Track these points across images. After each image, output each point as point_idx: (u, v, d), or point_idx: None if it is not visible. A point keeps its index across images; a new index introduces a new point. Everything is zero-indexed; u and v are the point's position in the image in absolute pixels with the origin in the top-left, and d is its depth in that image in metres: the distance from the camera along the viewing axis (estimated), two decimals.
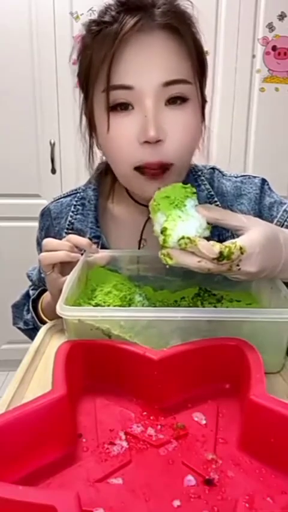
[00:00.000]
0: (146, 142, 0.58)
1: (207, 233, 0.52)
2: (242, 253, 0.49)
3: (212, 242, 0.48)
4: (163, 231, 0.51)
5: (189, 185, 0.55)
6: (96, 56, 0.59)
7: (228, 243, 0.49)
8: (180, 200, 0.53)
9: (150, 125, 0.57)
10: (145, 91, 0.57)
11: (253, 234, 0.51)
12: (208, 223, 0.53)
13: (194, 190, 0.55)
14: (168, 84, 0.58)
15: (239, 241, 0.50)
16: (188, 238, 0.48)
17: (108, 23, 0.58)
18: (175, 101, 0.59)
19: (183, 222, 0.51)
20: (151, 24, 0.58)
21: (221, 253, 0.47)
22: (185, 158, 0.64)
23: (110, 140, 0.61)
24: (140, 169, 0.61)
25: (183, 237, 0.49)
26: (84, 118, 0.68)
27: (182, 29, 0.59)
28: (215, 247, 0.47)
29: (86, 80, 0.63)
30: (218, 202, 0.76)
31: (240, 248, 0.49)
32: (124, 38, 0.56)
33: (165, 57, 0.58)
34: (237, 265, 0.49)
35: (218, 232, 0.73)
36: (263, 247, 0.51)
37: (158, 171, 0.60)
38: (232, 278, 0.53)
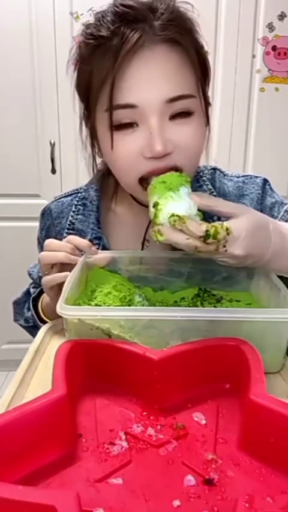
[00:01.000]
0: (152, 157, 0.58)
1: (198, 219, 0.54)
2: (228, 234, 0.51)
3: (200, 222, 0.51)
4: (155, 205, 0.54)
5: (185, 174, 0.58)
6: (97, 73, 0.58)
7: (216, 223, 0.51)
8: (175, 185, 0.56)
9: (156, 140, 0.56)
10: (149, 109, 0.56)
11: (241, 219, 0.53)
12: (200, 210, 0.55)
13: (189, 179, 0.58)
14: (172, 100, 0.57)
15: (226, 223, 0.52)
16: (178, 216, 0.51)
17: (107, 38, 0.56)
18: (179, 115, 0.59)
19: (174, 201, 0.54)
20: (152, 38, 0.56)
21: (207, 232, 0.50)
22: (194, 164, 0.64)
23: (114, 157, 0.61)
24: (142, 181, 0.61)
25: (173, 215, 0.52)
26: (84, 128, 0.67)
27: (184, 42, 0.58)
28: (202, 226, 0.50)
29: (87, 95, 0.62)
30: None
31: (227, 229, 0.51)
32: (126, 57, 0.55)
33: (168, 73, 0.57)
34: (224, 246, 0.51)
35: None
36: (250, 233, 0.53)
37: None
38: (220, 262, 0.55)
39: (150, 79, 0.56)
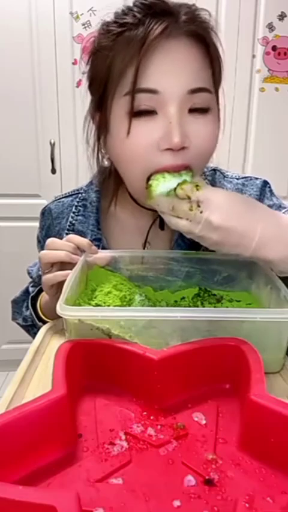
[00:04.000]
0: (168, 149, 0.57)
1: None
2: (197, 189, 0.53)
3: None
4: (147, 187, 0.58)
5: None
6: (120, 58, 0.58)
7: None
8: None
9: (175, 131, 0.56)
10: (170, 96, 0.56)
11: (223, 189, 0.55)
12: None
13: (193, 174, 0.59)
14: (193, 91, 0.57)
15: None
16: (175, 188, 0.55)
17: (133, 25, 0.57)
18: (197, 110, 0.59)
19: (164, 181, 0.57)
20: (178, 31, 0.57)
21: (178, 183, 0.54)
22: (203, 166, 0.64)
23: (128, 145, 0.59)
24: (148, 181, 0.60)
25: (170, 190, 0.56)
26: (90, 121, 0.67)
27: (207, 38, 0.60)
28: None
29: (104, 82, 0.61)
30: None
31: (197, 186, 0.53)
32: (152, 43, 0.56)
33: (191, 64, 0.58)
34: (198, 206, 0.52)
35: None
36: (229, 201, 0.53)
37: None
38: (202, 242, 0.55)
39: (173, 68, 0.57)
